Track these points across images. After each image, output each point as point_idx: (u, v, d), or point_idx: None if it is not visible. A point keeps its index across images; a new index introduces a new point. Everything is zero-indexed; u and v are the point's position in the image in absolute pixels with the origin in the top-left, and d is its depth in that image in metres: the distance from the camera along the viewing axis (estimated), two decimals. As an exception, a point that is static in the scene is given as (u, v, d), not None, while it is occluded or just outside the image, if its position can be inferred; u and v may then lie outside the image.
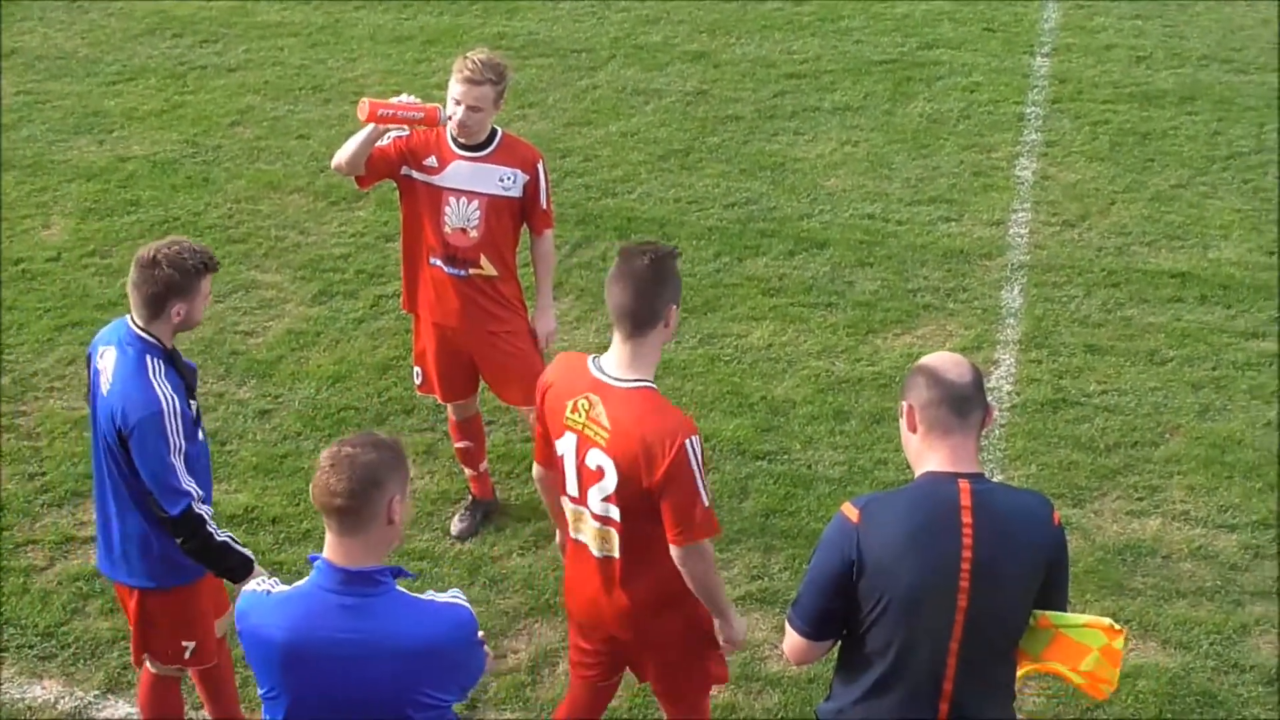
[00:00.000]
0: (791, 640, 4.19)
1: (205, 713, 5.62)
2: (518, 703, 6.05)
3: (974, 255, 9.38)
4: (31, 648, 6.31)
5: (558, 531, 5.27)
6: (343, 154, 6.30)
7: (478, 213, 6.37)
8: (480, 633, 3.97)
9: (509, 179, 6.38)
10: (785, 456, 7.49)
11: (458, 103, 6.24)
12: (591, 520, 4.73)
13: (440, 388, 6.79)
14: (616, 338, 4.68)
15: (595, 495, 4.67)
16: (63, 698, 6.07)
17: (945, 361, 4.11)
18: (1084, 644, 4.06)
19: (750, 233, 9.63)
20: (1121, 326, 8.61)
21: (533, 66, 12.21)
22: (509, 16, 13.37)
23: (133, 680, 6.06)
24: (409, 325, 7.25)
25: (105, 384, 4.96)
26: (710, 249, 9.40)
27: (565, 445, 4.72)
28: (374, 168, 6.35)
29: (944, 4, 13.60)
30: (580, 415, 4.65)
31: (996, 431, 7.66)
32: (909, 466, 4.16)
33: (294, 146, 10.90)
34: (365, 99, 6.08)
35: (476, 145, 6.36)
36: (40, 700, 6.05)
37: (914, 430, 4.08)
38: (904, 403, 4.11)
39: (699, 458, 4.54)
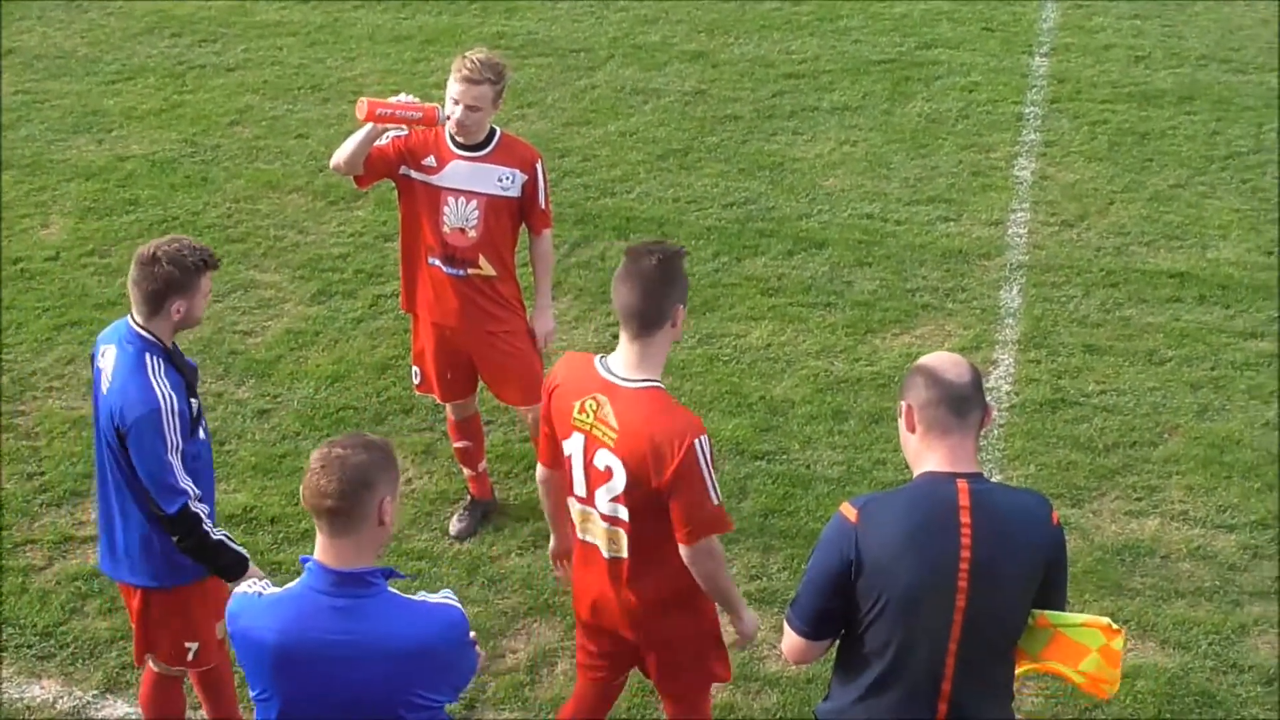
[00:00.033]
0: (790, 640, 4.19)
1: (204, 713, 5.61)
2: (516, 702, 6.05)
3: (973, 255, 9.38)
4: (30, 647, 6.31)
5: (552, 537, 5.26)
6: (341, 153, 6.30)
7: (476, 212, 6.37)
8: (472, 633, 3.95)
9: (507, 179, 6.38)
10: (784, 456, 7.49)
11: (456, 102, 6.23)
12: (600, 521, 4.73)
13: (439, 387, 6.79)
14: (624, 338, 4.67)
15: (603, 496, 4.67)
16: (61, 697, 6.06)
17: (944, 361, 4.11)
18: (1082, 644, 4.06)
19: (749, 232, 9.63)
20: (1120, 326, 8.61)
21: (531, 66, 12.22)
22: (508, 16, 13.37)
23: (131, 680, 6.06)
24: (408, 325, 7.25)
25: (106, 383, 4.97)
26: (709, 249, 9.40)
27: (573, 446, 4.72)
28: (372, 167, 6.34)
29: (942, 4, 13.60)
30: (588, 416, 4.65)
31: (995, 431, 7.66)
32: (908, 466, 4.16)
33: (293, 146, 10.90)
34: (364, 98, 6.07)
35: (475, 145, 6.36)
36: (39, 700, 6.05)
37: (912, 430, 4.08)
38: (903, 403, 4.11)
39: (708, 457, 4.53)
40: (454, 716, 5.95)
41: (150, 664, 5.39)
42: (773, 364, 8.25)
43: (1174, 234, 9.63)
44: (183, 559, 5.03)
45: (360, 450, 3.84)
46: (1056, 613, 4.10)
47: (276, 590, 3.94)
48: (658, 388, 4.63)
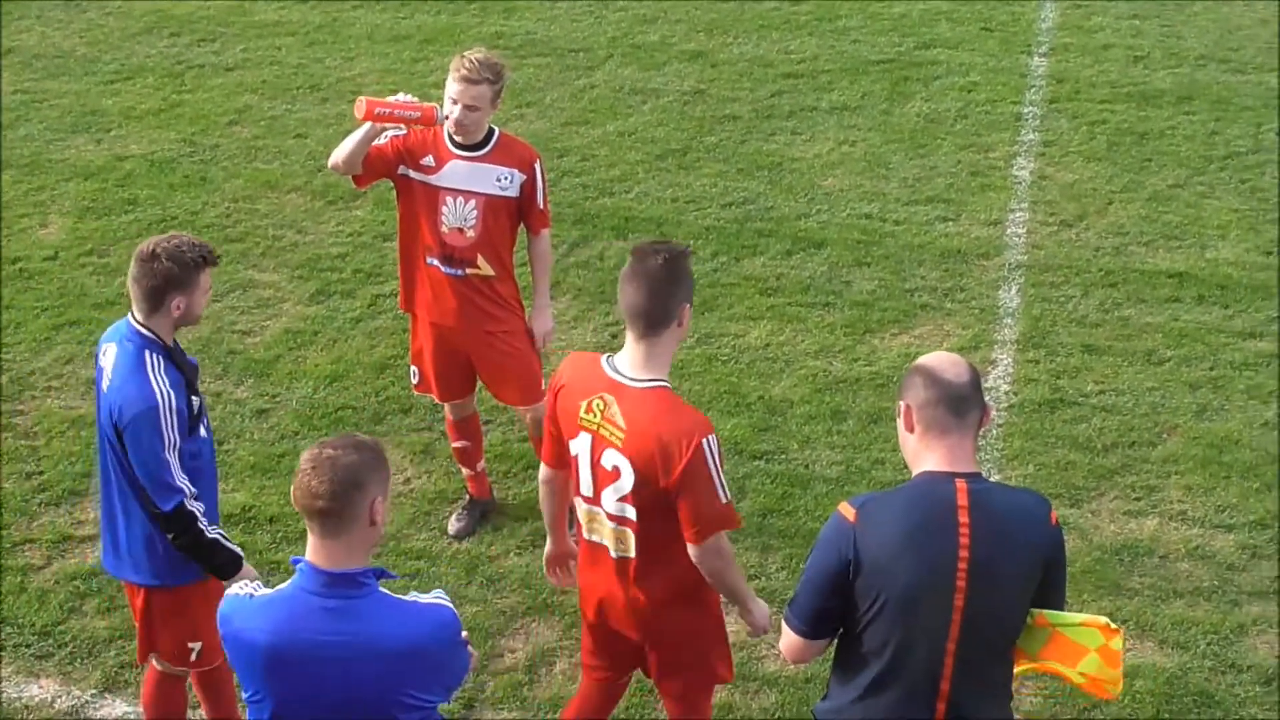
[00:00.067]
0: (788, 639, 4.19)
1: (203, 713, 5.61)
2: (515, 702, 6.05)
3: (971, 255, 9.38)
4: (29, 647, 6.31)
5: (549, 541, 5.25)
6: (340, 153, 6.30)
7: (475, 212, 6.37)
8: (464, 633, 3.95)
9: (506, 179, 6.38)
10: (782, 456, 7.49)
11: (455, 102, 6.23)
12: (607, 521, 4.73)
13: (437, 387, 6.79)
14: (630, 337, 4.66)
15: (610, 495, 4.67)
16: (60, 697, 6.06)
17: (943, 361, 4.11)
18: (1081, 644, 4.06)
19: (748, 232, 9.63)
20: (1119, 326, 8.61)
21: (530, 66, 12.21)
22: (506, 15, 13.37)
23: (130, 679, 6.06)
24: (406, 325, 7.24)
25: (106, 381, 4.97)
26: (708, 248, 9.40)
27: (579, 445, 4.71)
28: (371, 167, 6.34)
29: (941, 4, 13.60)
30: (595, 415, 4.64)
31: (994, 431, 7.66)
32: (906, 466, 4.16)
33: (291, 145, 10.90)
34: (362, 98, 6.07)
35: (474, 145, 6.36)
36: (38, 699, 6.05)
37: (911, 430, 4.08)
38: (901, 402, 4.11)
39: (717, 456, 4.53)
40: (452, 716, 5.95)
41: (153, 663, 5.39)
42: (771, 364, 8.25)
43: (1173, 234, 9.63)
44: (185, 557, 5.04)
45: (351, 451, 3.84)
46: (1055, 612, 4.10)
47: (268, 591, 3.95)
48: (665, 387, 4.63)
